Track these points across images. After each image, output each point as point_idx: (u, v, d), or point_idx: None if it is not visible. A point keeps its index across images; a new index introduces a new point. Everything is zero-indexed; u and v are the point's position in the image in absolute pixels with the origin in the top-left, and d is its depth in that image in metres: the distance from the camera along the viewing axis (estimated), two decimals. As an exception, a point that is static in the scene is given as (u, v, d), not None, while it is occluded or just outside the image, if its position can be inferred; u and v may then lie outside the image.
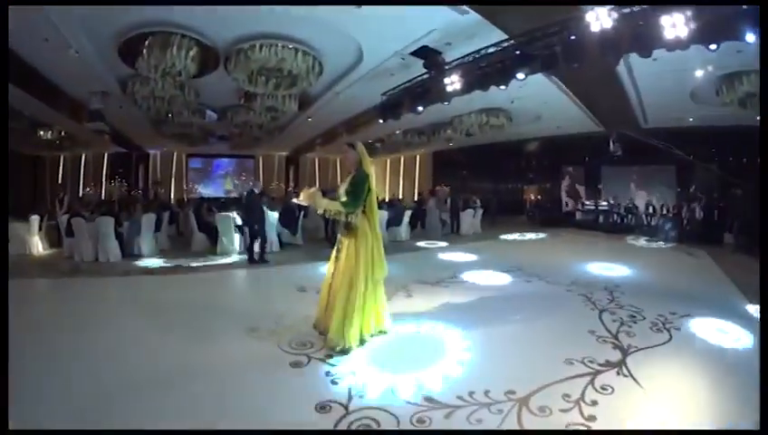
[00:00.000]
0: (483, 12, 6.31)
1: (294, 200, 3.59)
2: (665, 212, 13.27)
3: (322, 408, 2.65)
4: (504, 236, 11.60)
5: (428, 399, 2.78)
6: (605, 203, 14.70)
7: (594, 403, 2.71)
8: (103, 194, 16.25)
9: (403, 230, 11.03)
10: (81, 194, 15.71)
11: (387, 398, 2.80)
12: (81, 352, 3.52)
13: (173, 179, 17.91)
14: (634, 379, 3.06)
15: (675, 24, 5.17)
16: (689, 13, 5.02)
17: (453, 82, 7.57)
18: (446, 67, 7.70)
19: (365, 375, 3.09)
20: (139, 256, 7.77)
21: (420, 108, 8.69)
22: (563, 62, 6.42)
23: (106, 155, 17.18)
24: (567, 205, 16.62)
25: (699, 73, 8.03)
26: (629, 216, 13.84)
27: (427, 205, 13.00)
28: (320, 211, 3.77)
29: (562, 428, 2.50)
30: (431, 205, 12.79)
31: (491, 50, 7.10)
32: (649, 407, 2.75)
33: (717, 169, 11.38)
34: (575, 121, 12.59)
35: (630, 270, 6.96)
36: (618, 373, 3.13)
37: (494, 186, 19.17)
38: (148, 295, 5.59)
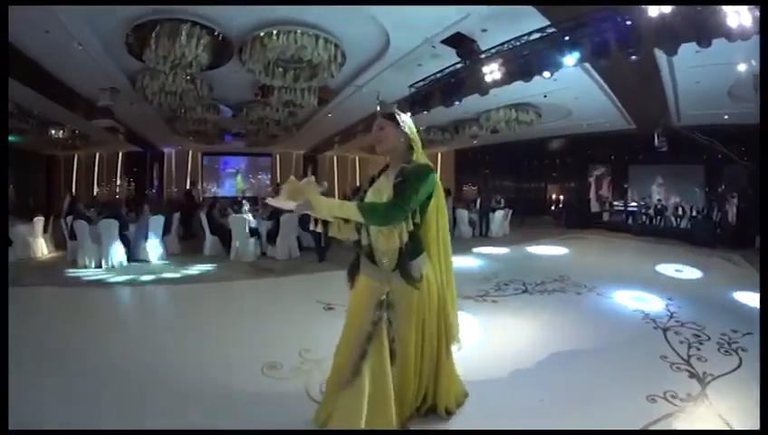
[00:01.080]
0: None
1: (270, 201, 2.31)
2: (694, 214, 12.56)
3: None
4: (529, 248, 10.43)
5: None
6: (634, 204, 14.09)
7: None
8: (117, 194, 15.80)
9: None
10: (94, 193, 15.30)
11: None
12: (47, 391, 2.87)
13: (188, 178, 17.21)
14: (719, 415, 2.69)
15: (739, 11, 4.62)
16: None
17: (492, 72, 6.91)
18: (483, 56, 7.00)
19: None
20: (146, 262, 7.21)
21: (456, 101, 8.05)
22: (617, 50, 5.73)
23: (120, 154, 16.72)
24: (595, 205, 15.74)
25: (742, 68, 7.36)
26: (658, 217, 13.19)
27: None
28: (315, 227, 2.32)
29: None
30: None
31: (533, 36, 6.38)
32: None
33: (754, 168, 10.45)
34: (605, 118, 11.87)
35: (677, 280, 6.60)
36: (704, 403, 2.83)
37: (516, 185, 18.48)
38: (149, 312, 4.94)
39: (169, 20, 6.27)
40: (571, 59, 6.06)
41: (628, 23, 5.51)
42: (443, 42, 7.00)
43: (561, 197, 17.18)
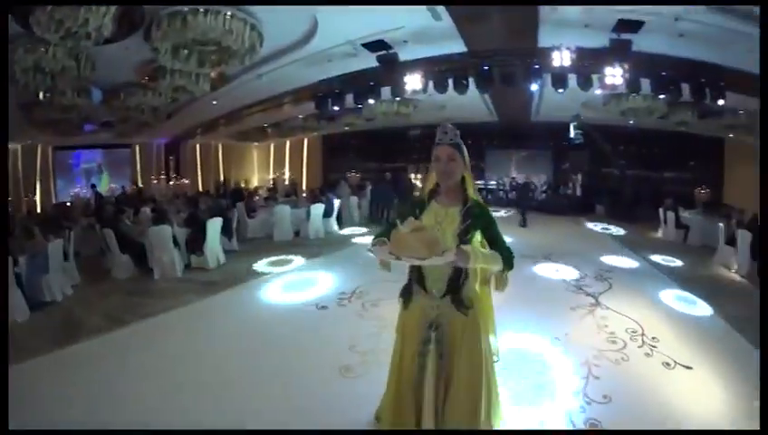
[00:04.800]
0: (457, 19, 6.26)
1: (407, 259, 1.99)
2: (544, 189, 15.79)
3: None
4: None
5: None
6: (493, 182, 16.96)
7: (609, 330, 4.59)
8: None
9: (334, 222, 10.84)
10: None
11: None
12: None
13: (38, 181, 13.72)
14: (612, 309, 5.18)
15: (614, 75, 6.93)
16: (626, 66, 6.94)
17: (413, 81, 7.94)
18: (401, 64, 7.77)
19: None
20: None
21: (372, 100, 9.01)
22: (521, 82, 7.66)
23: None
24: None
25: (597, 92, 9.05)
26: (513, 192, 16.08)
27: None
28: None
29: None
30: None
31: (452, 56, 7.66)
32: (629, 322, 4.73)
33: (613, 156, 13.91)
34: (474, 113, 13.53)
35: (548, 239, 9.69)
36: (602, 308, 5.23)
37: (379, 167, 19.04)
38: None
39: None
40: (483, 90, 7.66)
41: (536, 66, 7.43)
42: (363, 44, 7.35)
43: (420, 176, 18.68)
